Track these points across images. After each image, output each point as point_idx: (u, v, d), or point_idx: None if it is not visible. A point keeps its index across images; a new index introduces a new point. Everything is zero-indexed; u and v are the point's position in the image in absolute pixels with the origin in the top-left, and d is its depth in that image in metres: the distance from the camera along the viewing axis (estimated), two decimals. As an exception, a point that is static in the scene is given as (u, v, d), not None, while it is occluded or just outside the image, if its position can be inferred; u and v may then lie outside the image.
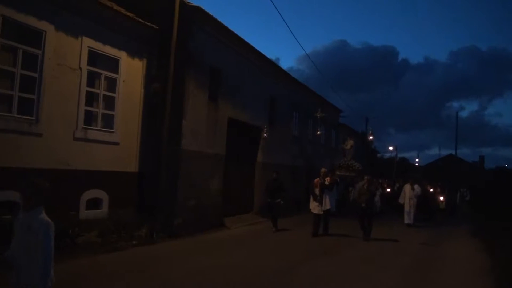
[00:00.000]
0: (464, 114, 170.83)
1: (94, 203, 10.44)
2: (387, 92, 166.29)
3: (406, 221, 16.65)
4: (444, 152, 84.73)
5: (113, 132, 11.03)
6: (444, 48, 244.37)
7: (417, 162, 68.06)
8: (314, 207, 12.91)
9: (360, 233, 12.63)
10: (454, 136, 43.20)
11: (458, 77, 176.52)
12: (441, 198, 19.78)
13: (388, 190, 22.23)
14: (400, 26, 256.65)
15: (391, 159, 61.12)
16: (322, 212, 12.81)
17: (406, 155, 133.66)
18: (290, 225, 14.26)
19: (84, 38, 10.06)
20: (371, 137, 29.56)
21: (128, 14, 11.20)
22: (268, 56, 17.60)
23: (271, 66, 18.65)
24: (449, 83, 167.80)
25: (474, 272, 8.93)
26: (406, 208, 16.80)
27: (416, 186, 17.42)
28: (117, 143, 11.11)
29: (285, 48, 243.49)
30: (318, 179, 13.10)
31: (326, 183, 13.00)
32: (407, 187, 17.42)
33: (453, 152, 47.25)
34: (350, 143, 23.85)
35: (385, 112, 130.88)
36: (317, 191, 12.84)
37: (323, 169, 13.57)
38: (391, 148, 59.91)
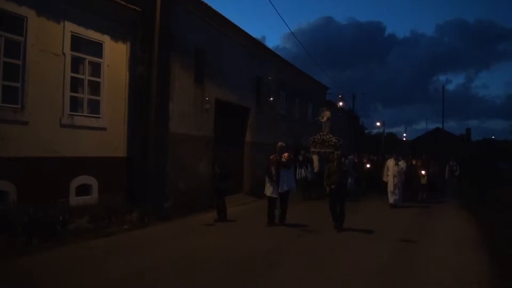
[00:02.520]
0: (451, 87, 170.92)
1: (84, 190, 10.47)
2: (375, 68, 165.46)
3: (391, 201, 14.95)
4: (432, 126, 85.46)
5: (99, 117, 10.97)
6: (431, 21, 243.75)
7: (404, 136, 68.77)
8: (268, 189, 10.91)
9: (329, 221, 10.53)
10: (441, 110, 43.69)
11: (445, 50, 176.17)
12: (423, 172, 17.94)
13: (368, 166, 20.21)
14: (386, 0, 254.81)
15: (378, 135, 61.76)
16: (277, 196, 10.81)
17: (394, 130, 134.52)
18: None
19: (66, 23, 9.91)
20: (341, 103, 25.05)
21: (110, -4, 11.03)
22: (254, 35, 17.54)
23: (257, 45, 18.55)
24: (435, 57, 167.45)
25: (461, 242, 9.23)
26: (390, 187, 15.04)
27: (401, 162, 15.60)
28: (104, 129, 11.07)
29: (271, 27, 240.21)
30: (274, 155, 11.04)
31: (283, 159, 10.93)
32: (390, 162, 15.52)
33: (440, 126, 47.79)
34: (326, 114, 20.19)
35: (372, 88, 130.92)
36: (273, 170, 10.84)
37: (279, 144, 11.32)
38: (378, 123, 60.58)
